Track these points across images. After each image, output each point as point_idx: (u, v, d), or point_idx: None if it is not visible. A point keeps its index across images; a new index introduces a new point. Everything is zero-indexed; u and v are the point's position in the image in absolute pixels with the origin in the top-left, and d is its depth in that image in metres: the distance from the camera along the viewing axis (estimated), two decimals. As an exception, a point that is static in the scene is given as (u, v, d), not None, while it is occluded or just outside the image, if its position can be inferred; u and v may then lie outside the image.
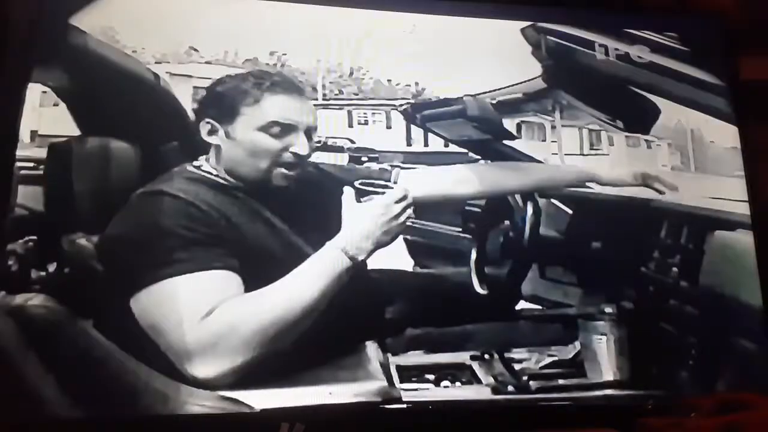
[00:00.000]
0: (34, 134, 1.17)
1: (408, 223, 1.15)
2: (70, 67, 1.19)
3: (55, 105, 1.18)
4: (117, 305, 1.05)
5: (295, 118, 1.15)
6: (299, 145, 1.15)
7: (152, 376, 1.02)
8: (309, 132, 1.17)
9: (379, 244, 1.13)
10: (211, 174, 1.15)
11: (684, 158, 1.36)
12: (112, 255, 1.09)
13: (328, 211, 1.19)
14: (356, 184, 1.16)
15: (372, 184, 1.16)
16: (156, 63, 1.22)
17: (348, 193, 1.16)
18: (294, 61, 1.26)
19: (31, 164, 1.16)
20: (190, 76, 1.24)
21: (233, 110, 1.15)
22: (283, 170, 1.15)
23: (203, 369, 1.03)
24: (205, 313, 1.03)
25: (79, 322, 1.04)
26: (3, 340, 1.02)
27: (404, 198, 1.14)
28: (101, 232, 1.10)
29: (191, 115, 1.20)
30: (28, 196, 1.14)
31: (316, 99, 1.23)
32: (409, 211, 1.14)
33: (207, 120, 1.16)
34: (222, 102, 1.16)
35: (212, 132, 1.16)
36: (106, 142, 1.18)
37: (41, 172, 1.15)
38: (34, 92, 1.18)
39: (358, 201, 1.14)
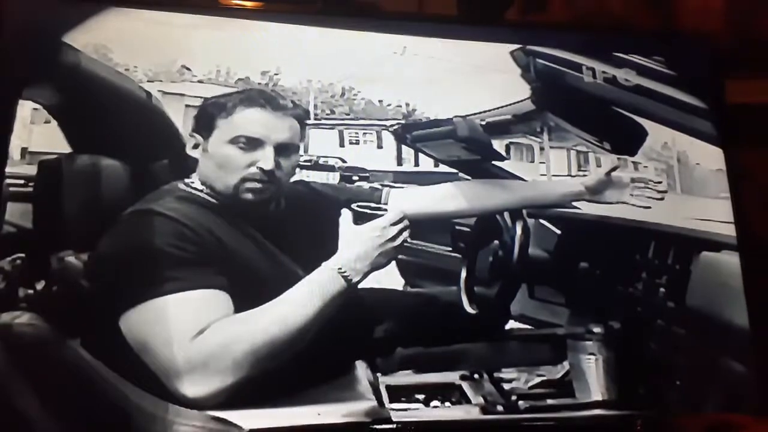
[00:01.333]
0: (24, 151, 1.17)
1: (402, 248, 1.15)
2: (63, 84, 1.19)
3: (47, 122, 1.18)
4: (105, 324, 1.05)
5: (262, 132, 1.14)
6: (264, 159, 1.14)
7: (140, 396, 1.02)
8: (282, 148, 1.16)
9: (376, 266, 1.13)
10: (201, 192, 1.15)
11: (670, 180, 1.37)
12: (101, 273, 1.09)
13: (318, 231, 1.19)
14: (353, 206, 1.16)
15: (369, 207, 1.16)
16: (148, 81, 1.22)
17: (345, 215, 1.16)
18: (286, 80, 1.26)
19: (21, 181, 1.15)
20: (183, 95, 1.24)
21: (210, 125, 1.16)
22: (251, 184, 1.14)
23: (193, 388, 1.02)
24: (197, 332, 1.03)
25: (66, 341, 1.03)
26: (-11, 358, 1.00)
27: (401, 221, 1.14)
28: (90, 250, 1.10)
29: (183, 134, 1.20)
30: (17, 214, 1.14)
31: (304, 116, 1.22)
32: (406, 233, 1.14)
33: (192, 134, 1.17)
34: (205, 117, 1.17)
35: (195, 146, 1.17)
36: (96, 160, 1.18)
37: (31, 189, 1.15)
38: (26, 109, 1.17)
39: (356, 223, 1.14)
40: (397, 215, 1.14)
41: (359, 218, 1.14)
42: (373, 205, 1.18)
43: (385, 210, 1.16)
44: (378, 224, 1.13)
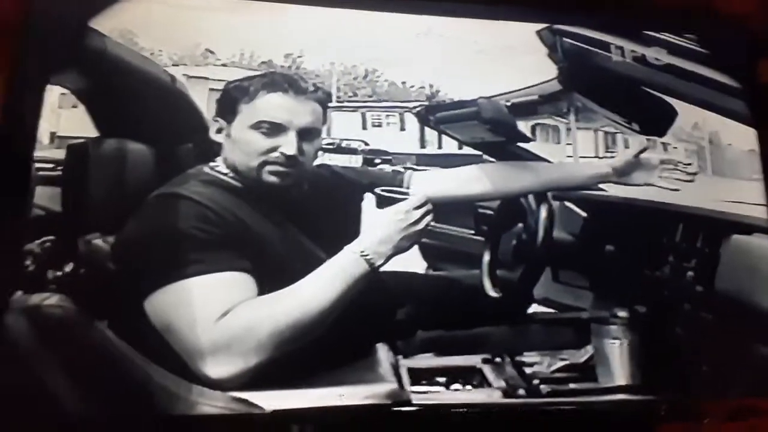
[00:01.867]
0: (52, 135, 1.19)
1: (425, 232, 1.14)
2: (89, 69, 1.20)
3: (74, 107, 1.20)
4: (131, 306, 1.06)
5: (285, 117, 1.14)
6: (287, 144, 1.14)
7: (164, 376, 1.03)
8: (304, 133, 1.15)
9: (398, 250, 1.12)
10: (226, 176, 1.16)
11: (701, 161, 1.34)
12: (127, 256, 1.10)
13: (341, 214, 1.20)
14: (377, 191, 1.16)
15: (393, 191, 1.16)
16: (173, 65, 1.23)
17: (368, 199, 1.16)
18: (309, 63, 1.26)
19: (50, 165, 1.17)
20: (207, 78, 1.25)
21: (234, 109, 1.16)
22: (274, 167, 1.14)
23: (217, 369, 1.03)
24: (221, 314, 1.04)
25: (94, 323, 1.05)
26: (19, 338, 1.02)
27: (424, 204, 1.14)
28: (117, 233, 1.11)
29: (207, 117, 1.21)
30: (46, 197, 1.16)
31: (326, 99, 1.21)
32: (429, 217, 1.14)
33: (215, 118, 1.18)
34: (228, 101, 1.17)
35: (219, 130, 1.17)
36: (122, 144, 1.20)
37: (59, 173, 1.17)
38: (53, 94, 1.19)
39: (379, 208, 1.14)
40: (420, 199, 1.14)
41: (382, 202, 1.14)
42: (397, 189, 1.18)
43: (409, 194, 1.16)
44: (401, 208, 1.13)
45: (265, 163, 1.14)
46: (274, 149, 1.14)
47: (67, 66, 1.20)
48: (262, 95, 1.15)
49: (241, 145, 1.15)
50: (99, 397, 1.02)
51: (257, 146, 1.14)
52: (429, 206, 1.14)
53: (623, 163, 1.31)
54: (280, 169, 1.14)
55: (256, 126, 1.14)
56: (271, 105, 1.14)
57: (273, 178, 1.14)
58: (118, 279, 1.10)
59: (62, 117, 1.20)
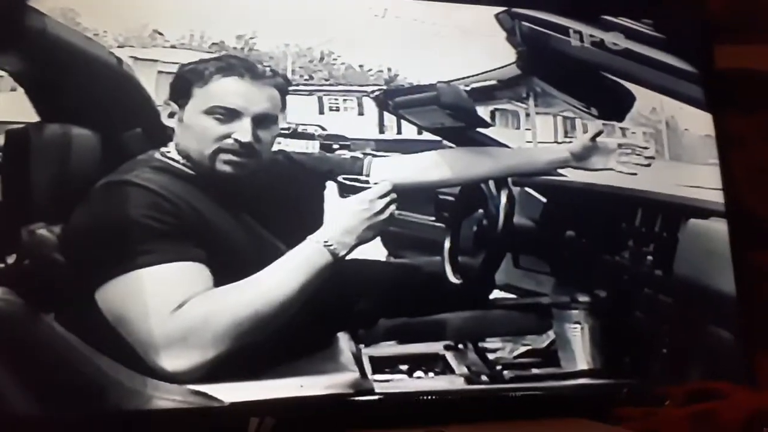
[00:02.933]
0: (-11, 121, 1.13)
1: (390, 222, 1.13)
2: (28, 50, 1.13)
3: (12, 90, 1.13)
4: (80, 298, 1.02)
5: (240, 103, 1.11)
6: (241, 131, 1.10)
7: (117, 370, 1.00)
8: (260, 119, 1.12)
9: (362, 240, 1.11)
10: (178, 162, 1.12)
11: (659, 145, 1.35)
12: (76, 246, 1.06)
13: (299, 202, 1.17)
14: (339, 179, 1.14)
15: (356, 179, 1.15)
16: (119, 47, 1.18)
17: (331, 188, 1.14)
18: (262, 44, 1.22)
19: (-13, 152, 1.12)
20: (155, 61, 1.20)
21: (187, 93, 1.12)
22: (228, 156, 1.11)
23: (173, 362, 1.00)
24: (177, 305, 1.01)
25: (40, 316, 1.00)
26: (-41, 335, 0.98)
27: (388, 193, 1.12)
28: (63, 223, 1.07)
29: (156, 101, 1.17)
30: (-16, 186, 1.10)
31: (285, 85, 1.17)
32: (393, 207, 1.13)
33: (167, 101, 1.14)
34: (181, 84, 1.13)
35: (171, 115, 1.14)
36: (66, 129, 1.13)
37: (-2, 160, 1.11)
38: (-10, 77, 1.13)
39: (342, 196, 1.12)
40: (384, 188, 1.12)
41: (345, 191, 1.12)
42: (360, 177, 1.17)
43: (370, 183, 1.14)
44: (365, 197, 1.11)
45: (219, 150, 1.10)
46: (227, 136, 1.10)
47: (4, 47, 1.13)
48: (216, 79, 1.11)
49: (194, 131, 1.11)
50: (48, 394, 0.99)
51: (210, 132, 1.10)
52: (393, 195, 1.13)
53: (581, 148, 1.32)
54: (235, 158, 1.11)
55: (210, 111, 1.10)
56: (226, 90, 1.11)
57: (227, 168, 1.11)
58: (65, 270, 1.05)
59: (0, 101, 1.14)
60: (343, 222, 1.10)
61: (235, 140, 1.10)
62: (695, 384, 1.18)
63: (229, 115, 1.10)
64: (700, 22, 1.37)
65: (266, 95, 1.13)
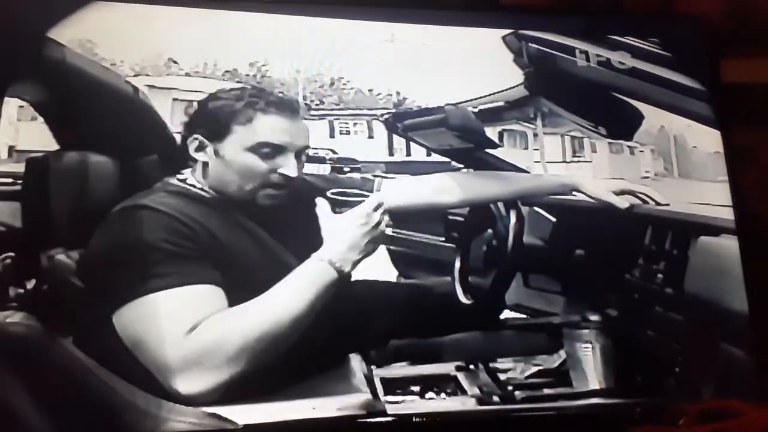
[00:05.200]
0: (11, 149, 1.16)
1: (388, 231, 1.15)
2: (48, 80, 1.17)
3: (33, 119, 1.17)
4: (98, 322, 1.04)
5: (286, 139, 1.14)
6: (288, 167, 1.14)
7: (133, 393, 1.01)
8: (300, 153, 1.16)
9: (365, 254, 1.12)
10: (194, 187, 1.15)
11: (667, 164, 1.35)
12: (93, 271, 1.08)
13: (311, 223, 1.18)
14: (329, 194, 1.16)
15: (345, 194, 1.17)
16: (135, 75, 1.21)
17: (321, 204, 1.16)
18: (274, 71, 1.25)
19: (9, 180, 1.15)
20: (170, 89, 1.22)
21: (224, 128, 1.14)
22: (270, 191, 1.14)
23: (187, 385, 1.02)
24: (190, 327, 1.02)
25: (58, 340, 1.03)
26: (-20, 358, 1.00)
27: (380, 205, 1.14)
28: (81, 248, 1.09)
29: (172, 128, 1.19)
30: (6, 212, 1.13)
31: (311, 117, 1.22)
32: (386, 218, 1.14)
33: (195, 136, 1.15)
34: (213, 119, 1.15)
35: (200, 148, 1.15)
36: (84, 157, 1.17)
37: (19, 187, 1.14)
38: (11, 107, 1.16)
39: (334, 212, 1.15)
40: (376, 200, 1.15)
41: (337, 206, 1.15)
42: (348, 191, 1.18)
43: (364, 195, 1.17)
44: (361, 211, 1.13)
45: (264, 185, 1.14)
46: (272, 171, 1.13)
47: (25, 78, 1.17)
48: (259, 117, 1.14)
49: (237, 167, 1.14)
50: (65, 416, 1.00)
51: (255, 168, 1.13)
52: (385, 206, 1.14)
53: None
54: (277, 192, 1.14)
55: (254, 148, 1.13)
56: (271, 127, 1.14)
57: (267, 201, 1.14)
58: (83, 294, 1.08)
59: (21, 130, 1.17)
60: (345, 238, 1.12)
61: (281, 174, 1.14)
62: (708, 402, 1.16)
63: (275, 151, 1.13)
64: (706, 37, 1.37)
65: (303, 129, 1.18)
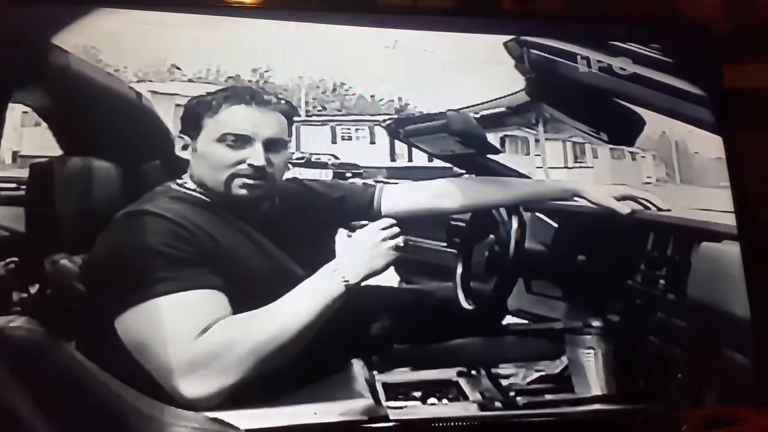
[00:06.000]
0: (15, 155, 1.17)
1: (398, 254, 1.15)
2: (52, 86, 1.18)
3: (37, 125, 1.18)
4: (101, 326, 1.05)
5: (249, 128, 1.14)
6: (254, 156, 1.13)
7: (136, 398, 1.00)
8: (271, 143, 1.15)
9: (372, 269, 1.13)
10: (195, 192, 1.15)
11: (669, 170, 1.35)
12: (96, 275, 1.09)
13: (312, 228, 1.21)
14: (348, 233, 1.18)
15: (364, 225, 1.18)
16: (138, 81, 1.22)
17: (341, 234, 1.19)
18: (276, 77, 1.25)
19: (13, 185, 1.15)
20: (173, 94, 1.23)
21: (198, 124, 1.15)
22: (242, 180, 1.14)
23: (193, 389, 1.02)
24: (199, 332, 1.03)
25: (61, 344, 1.01)
26: (-17, 363, 1.00)
27: (391, 226, 1.15)
28: (84, 253, 1.10)
29: (174, 134, 1.20)
30: (9, 217, 1.14)
31: (290, 111, 1.21)
32: (398, 239, 1.14)
33: (179, 135, 1.17)
34: (191, 117, 1.16)
35: (185, 147, 1.17)
36: (87, 162, 1.18)
37: (23, 192, 1.15)
38: (16, 112, 1.17)
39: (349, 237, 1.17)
40: (387, 221, 1.16)
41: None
42: (367, 223, 1.18)
43: None
44: (369, 229, 1.14)
45: (234, 176, 1.13)
46: (241, 161, 1.13)
47: (29, 83, 1.18)
48: (225, 108, 1.15)
49: (208, 160, 1.14)
50: (68, 421, 0.98)
51: (224, 159, 1.13)
52: (396, 230, 1.15)
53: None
54: (249, 181, 1.14)
55: (221, 139, 1.13)
56: (235, 117, 1.14)
57: (243, 191, 1.14)
58: (86, 299, 1.08)
59: (25, 136, 1.18)
60: (352, 253, 1.13)
61: (249, 165, 1.13)
62: (711, 409, 1.16)
63: (241, 141, 1.13)
64: (707, 45, 1.37)
65: (274, 120, 1.17)
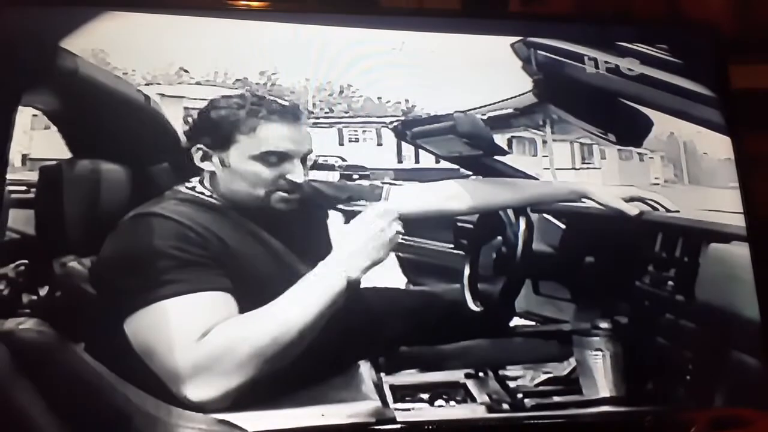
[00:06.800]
0: (24, 158, 1.17)
1: (399, 239, 1.14)
2: (61, 90, 1.19)
3: (46, 128, 1.18)
4: (109, 328, 1.05)
5: (290, 146, 1.16)
6: (295, 173, 1.15)
7: (143, 399, 1.01)
8: (305, 158, 1.18)
9: (373, 260, 1.12)
10: (204, 195, 1.16)
11: (677, 170, 1.35)
12: (105, 278, 1.09)
13: (320, 230, 1.21)
14: (340, 207, 1.19)
15: (357, 206, 1.19)
16: (147, 84, 1.22)
17: (334, 216, 1.19)
18: (284, 80, 1.25)
19: (23, 188, 1.16)
20: (181, 97, 1.24)
21: (228, 138, 1.15)
22: (282, 194, 1.15)
23: (198, 391, 1.02)
24: (201, 334, 1.03)
25: (70, 346, 1.03)
26: (-6, 364, 1.01)
27: (388, 212, 1.15)
28: (93, 255, 1.10)
29: (182, 138, 1.20)
30: (20, 220, 1.14)
31: (312, 123, 1.23)
32: (396, 224, 1.14)
33: (199, 146, 1.17)
34: (216, 129, 1.16)
35: (205, 158, 1.17)
36: (96, 165, 1.18)
37: (32, 195, 1.15)
38: (25, 115, 1.18)
39: (346, 223, 1.16)
40: (381, 207, 1.17)
41: (349, 218, 1.16)
42: (361, 203, 1.20)
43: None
44: (365, 218, 1.14)
45: (273, 191, 1.15)
46: (281, 177, 1.15)
47: (38, 87, 1.18)
48: (264, 125, 1.15)
49: (243, 175, 1.15)
50: (77, 422, 1.00)
51: (263, 176, 1.14)
52: (394, 214, 1.15)
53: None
54: (288, 196, 1.16)
55: (261, 157, 1.14)
56: (276, 135, 1.15)
57: (282, 205, 1.16)
58: (95, 301, 1.09)
59: (34, 139, 1.18)
60: (350, 244, 1.13)
61: (289, 181, 1.15)
62: (720, 410, 1.16)
63: (280, 158, 1.15)
64: (715, 43, 1.36)
65: (306, 135, 1.19)
